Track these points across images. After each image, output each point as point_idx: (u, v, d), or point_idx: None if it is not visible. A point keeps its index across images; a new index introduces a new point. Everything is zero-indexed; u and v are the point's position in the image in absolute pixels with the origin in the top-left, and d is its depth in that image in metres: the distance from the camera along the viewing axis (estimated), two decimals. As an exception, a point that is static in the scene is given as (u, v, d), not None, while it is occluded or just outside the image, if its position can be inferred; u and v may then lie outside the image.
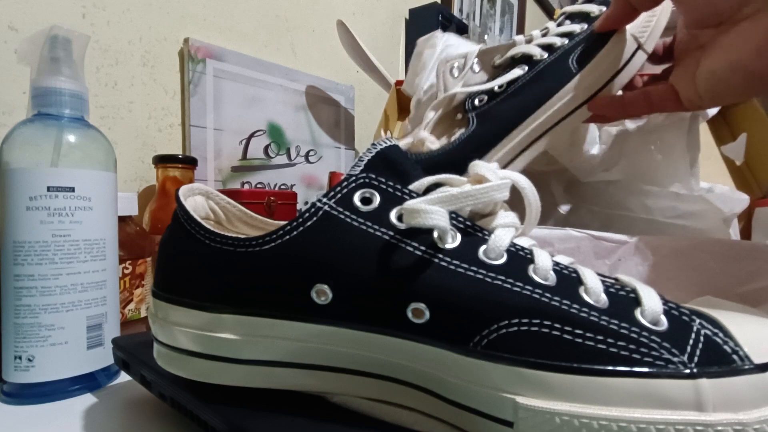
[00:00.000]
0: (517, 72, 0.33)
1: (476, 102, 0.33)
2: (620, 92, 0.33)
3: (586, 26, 0.33)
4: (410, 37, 0.92)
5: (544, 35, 0.34)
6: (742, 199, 0.35)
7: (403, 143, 0.33)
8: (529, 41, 0.34)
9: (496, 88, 0.33)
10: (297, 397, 0.21)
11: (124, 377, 0.32)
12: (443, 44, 0.42)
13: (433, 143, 0.32)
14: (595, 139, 0.39)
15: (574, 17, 0.34)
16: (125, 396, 0.29)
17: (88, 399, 0.29)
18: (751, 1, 0.25)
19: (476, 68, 0.35)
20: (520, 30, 1.40)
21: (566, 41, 0.32)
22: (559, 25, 0.35)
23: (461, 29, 0.96)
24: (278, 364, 0.20)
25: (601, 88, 0.32)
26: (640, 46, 0.31)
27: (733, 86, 0.27)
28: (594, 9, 0.33)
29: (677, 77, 0.30)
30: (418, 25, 0.90)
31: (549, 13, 1.60)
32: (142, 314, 0.40)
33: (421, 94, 0.40)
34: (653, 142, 0.36)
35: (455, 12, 1.04)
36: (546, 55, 0.32)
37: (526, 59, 0.33)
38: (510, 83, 0.32)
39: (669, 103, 0.31)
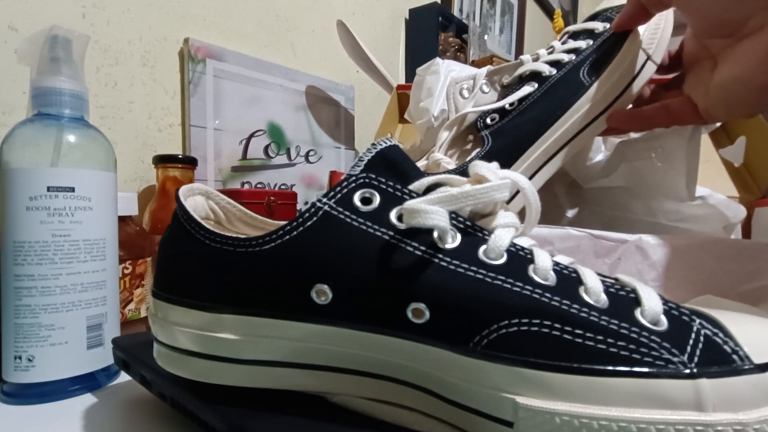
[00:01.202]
0: (527, 89, 0.33)
1: (488, 121, 0.33)
2: (631, 105, 0.33)
3: (591, 42, 0.33)
4: (410, 37, 0.92)
5: (550, 53, 0.34)
6: (739, 210, 0.35)
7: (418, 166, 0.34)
8: (536, 59, 0.35)
9: (507, 105, 0.33)
10: (297, 397, 0.21)
11: (124, 377, 0.32)
12: (446, 70, 0.42)
13: (449, 164, 0.32)
14: (600, 147, 0.39)
15: (577, 35, 0.35)
16: (125, 396, 0.29)
17: (88, 399, 0.29)
18: (756, 15, 0.25)
19: (485, 88, 0.36)
20: (520, 30, 1.40)
21: (573, 57, 0.33)
22: (563, 43, 0.35)
23: (461, 29, 0.96)
24: (278, 364, 0.20)
25: (615, 100, 0.32)
26: (649, 57, 0.32)
27: (743, 100, 0.27)
28: (598, 26, 0.33)
29: (692, 88, 0.31)
30: (418, 25, 0.90)
31: (549, 13, 1.61)
32: (142, 314, 0.40)
33: (432, 120, 0.40)
34: (654, 149, 0.36)
35: (455, 12, 1.04)
36: (555, 71, 0.33)
37: (534, 76, 0.33)
38: (521, 100, 0.33)
39: (688, 115, 0.31)
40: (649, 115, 0.32)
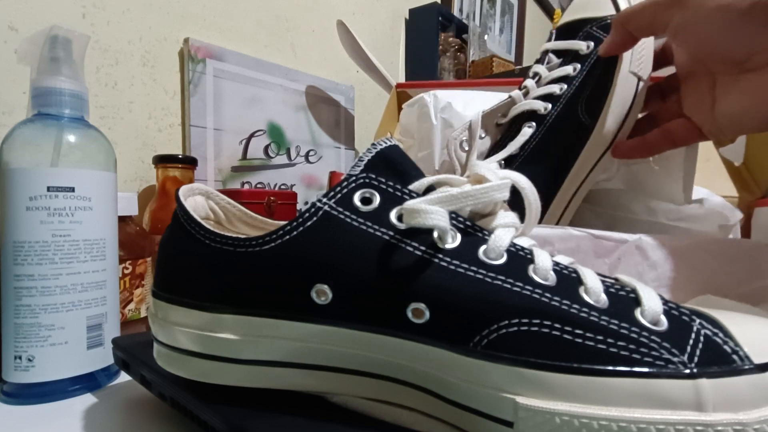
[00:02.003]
0: (527, 131, 0.32)
1: None
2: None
3: (579, 66, 0.33)
4: (410, 37, 0.92)
5: (537, 81, 0.34)
6: (735, 213, 0.35)
7: None
8: (525, 93, 0.34)
9: (511, 152, 0.32)
10: (297, 397, 0.21)
11: (124, 377, 0.32)
12: (434, 108, 0.41)
13: None
14: None
15: (561, 55, 0.34)
16: (125, 396, 0.29)
17: (88, 399, 0.29)
18: (761, 52, 0.24)
19: (482, 134, 0.35)
20: (520, 30, 1.40)
21: (564, 86, 0.32)
22: (548, 64, 0.34)
23: (461, 29, 0.96)
24: (278, 364, 0.20)
25: (618, 130, 0.32)
26: (640, 79, 0.32)
27: (752, 127, 0.28)
28: (582, 46, 0.33)
29: (693, 111, 0.30)
30: (418, 25, 0.91)
31: (549, 13, 1.61)
32: (142, 314, 0.40)
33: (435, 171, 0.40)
34: None
35: (455, 12, 1.04)
36: (550, 107, 0.32)
37: (530, 115, 0.33)
38: (523, 145, 0.32)
39: (691, 136, 0.31)
40: (653, 143, 0.32)
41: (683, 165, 0.35)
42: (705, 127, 0.30)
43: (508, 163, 0.33)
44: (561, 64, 0.34)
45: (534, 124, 0.33)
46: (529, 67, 0.37)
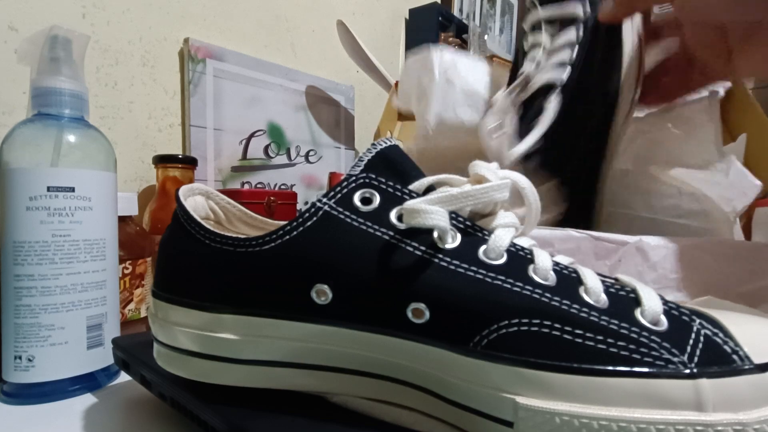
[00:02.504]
0: (551, 105, 0.32)
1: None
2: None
3: (582, 28, 0.32)
4: (410, 37, 0.92)
5: (543, 52, 0.33)
6: (756, 184, 0.35)
7: None
8: (537, 65, 0.34)
9: (544, 130, 0.32)
10: (297, 397, 0.21)
11: (124, 377, 0.32)
12: (440, 66, 0.40)
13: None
14: None
15: (557, 22, 0.34)
16: (125, 396, 0.29)
17: (88, 399, 0.29)
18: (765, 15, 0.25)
19: (509, 118, 0.35)
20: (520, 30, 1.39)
21: (573, 52, 0.32)
22: (547, 32, 0.34)
23: (461, 29, 0.95)
24: (278, 364, 0.20)
25: (636, 83, 0.32)
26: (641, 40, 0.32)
27: None
28: (578, 10, 0.33)
29: (710, 61, 0.30)
30: (418, 25, 0.90)
31: (549, 13, 1.60)
32: (142, 314, 0.40)
33: (428, 129, 0.40)
34: (670, 119, 0.36)
35: (455, 12, 1.04)
36: (565, 76, 0.32)
37: (549, 88, 0.32)
38: (553, 120, 0.32)
39: (709, 80, 0.32)
40: (670, 89, 0.33)
41: (711, 123, 0.35)
42: (722, 74, 0.30)
43: (544, 139, 0.32)
44: (560, 29, 0.33)
45: (555, 95, 0.32)
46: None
